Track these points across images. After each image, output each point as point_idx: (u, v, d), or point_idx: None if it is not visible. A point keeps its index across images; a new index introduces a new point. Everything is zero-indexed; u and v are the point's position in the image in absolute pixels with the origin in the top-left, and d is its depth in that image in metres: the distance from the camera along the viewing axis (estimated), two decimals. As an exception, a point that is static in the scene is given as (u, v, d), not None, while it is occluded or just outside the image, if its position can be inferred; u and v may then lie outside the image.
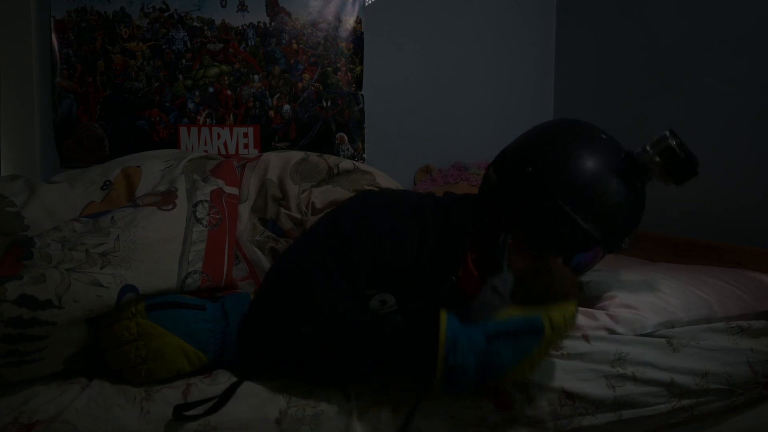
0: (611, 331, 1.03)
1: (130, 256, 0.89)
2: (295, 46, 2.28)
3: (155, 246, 0.92)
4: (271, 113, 2.29)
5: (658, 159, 0.96)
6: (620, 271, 1.29)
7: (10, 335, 0.79)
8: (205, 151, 2.24)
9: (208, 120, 2.26)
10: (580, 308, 1.08)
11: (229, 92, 2.26)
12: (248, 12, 2.25)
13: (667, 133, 0.97)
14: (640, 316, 1.04)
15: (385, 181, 1.26)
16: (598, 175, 0.95)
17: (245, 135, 2.28)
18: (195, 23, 2.22)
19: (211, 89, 2.25)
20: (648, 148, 0.97)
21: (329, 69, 2.31)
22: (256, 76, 2.27)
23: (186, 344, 0.86)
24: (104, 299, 0.84)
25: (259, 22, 2.26)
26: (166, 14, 2.20)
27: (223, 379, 0.89)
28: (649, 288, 1.12)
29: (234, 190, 1.16)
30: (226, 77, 2.25)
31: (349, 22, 2.30)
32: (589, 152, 0.98)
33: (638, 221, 1.03)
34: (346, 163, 1.25)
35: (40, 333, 0.81)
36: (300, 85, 2.30)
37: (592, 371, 0.97)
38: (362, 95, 2.33)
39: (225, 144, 2.26)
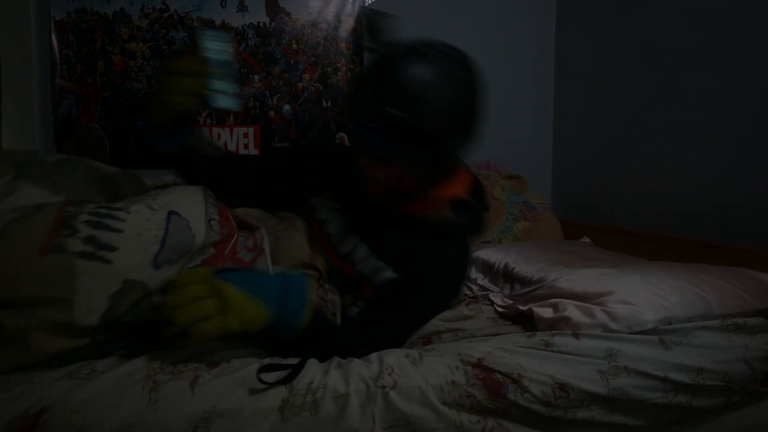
0: (607, 329, 1.03)
1: (169, 200, 1.07)
2: (295, 46, 2.28)
3: (184, 199, 1.10)
4: (271, 113, 2.29)
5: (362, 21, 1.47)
6: (618, 268, 1.29)
7: (92, 221, 0.95)
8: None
9: (208, 120, 2.26)
10: (578, 303, 1.09)
11: (229, 92, 2.26)
12: (248, 12, 2.26)
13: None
14: (637, 313, 1.04)
15: None
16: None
17: (245, 135, 2.28)
18: (195, 23, 2.22)
19: (211, 89, 2.25)
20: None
21: (329, 69, 2.31)
22: (256, 77, 2.27)
23: (255, 298, 0.93)
24: (155, 216, 1.01)
25: (259, 22, 2.26)
26: (166, 15, 2.21)
27: (230, 371, 0.91)
28: (647, 285, 1.12)
29: None
30: (226, 77, 2.25)
31: (349, 22, 2.31)
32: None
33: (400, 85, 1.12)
34: None
35: (115, 226, 0.96)
36: (300, 85, 2.30)
37: (585, 365, 0.97)
38: (362, 95, 2.33)
39: (225, 144, 2.26)
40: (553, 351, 0.99)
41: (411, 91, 1.09)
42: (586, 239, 2.06)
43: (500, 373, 0.95)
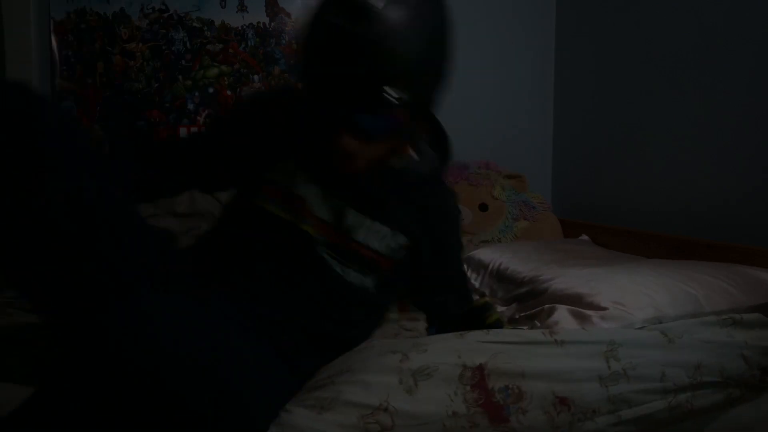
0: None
1: None
2: (294, 46, 2.28)
3: None
4: (271, 114, 2.29)
5: None
6: (608, 267, 1.29)
7: None
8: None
9: (208, 121, 2.26)
10: (569, 308, 1.08)
11: (228, 93, 2.26)
12: (248, 12, 2.26)
13: None
14: (626, 313, 1.03)
15: None
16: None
17: (245, 135, 2.28)
18: (195, 24, 2.22)
19: (210, 90, 2.25)
20: None
21: (328, 69, 2.31)
22: (255, 77, 2.27)
23: None
24: None
25: (258, 22, 2.26)
26: (166, 15, 2.21)
27: None
28: (635, 285, 1.11)
29: None
30: (225, 78, 2.26)
31: (349, 22, 2.31)
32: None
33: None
34: None
35: None
36: (300, 85, 2.30)
37: (583, 371, 0.94)
38: (361, 95, 2.33)
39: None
40: (556, 342, 0.95)
41: (410, 67, 0.94)
42: (585, 237, 2.05)
43: (500, 391, 0.89)
